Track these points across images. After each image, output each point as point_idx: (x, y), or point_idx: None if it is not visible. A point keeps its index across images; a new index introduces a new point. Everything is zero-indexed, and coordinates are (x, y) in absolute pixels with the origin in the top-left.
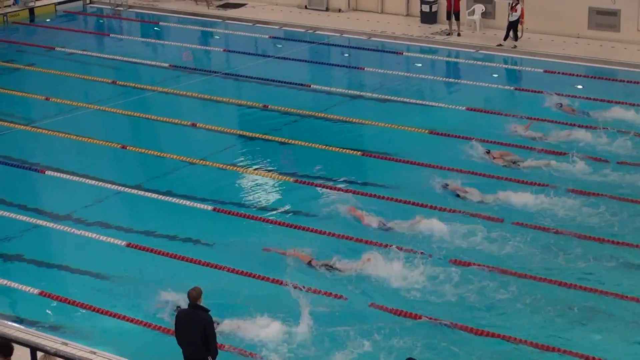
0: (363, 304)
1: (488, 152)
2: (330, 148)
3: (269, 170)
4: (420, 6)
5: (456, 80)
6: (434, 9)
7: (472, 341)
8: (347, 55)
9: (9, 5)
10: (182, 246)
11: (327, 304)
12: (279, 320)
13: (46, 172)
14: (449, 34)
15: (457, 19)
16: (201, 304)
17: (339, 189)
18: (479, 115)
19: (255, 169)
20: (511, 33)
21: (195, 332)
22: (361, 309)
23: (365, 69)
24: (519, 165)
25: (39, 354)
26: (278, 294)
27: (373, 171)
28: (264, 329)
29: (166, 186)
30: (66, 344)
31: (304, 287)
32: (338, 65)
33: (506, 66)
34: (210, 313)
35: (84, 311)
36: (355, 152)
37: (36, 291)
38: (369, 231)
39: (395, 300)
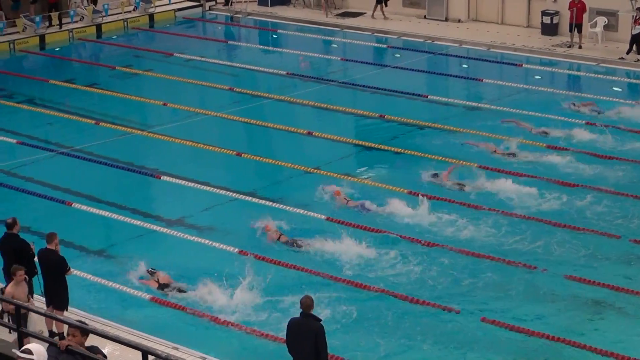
0: None
1: (436, 176)
2: (446, 159)
3: (384, 181)
4: (541, 18)
5: (576, 94)
6: (555, 21)
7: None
8: (465, 66)
9: (130, 11)
10: (294, 255)
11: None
12: None
13: (162, 178)
14: (570, 46)
15: (579, 31)
16: (312, 312)
17: (452, 201)
18: (597, 129)
19: (370, 179)
20: (634, 46)
21: (307, 341)
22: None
23: (484, 80)
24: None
25: (151, 358)
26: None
27: (491, 184)
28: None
29: (280, 194)
30: (177, 349)
31: None
32: (456, 76)
33: (628, 80)
34: (322, 322)
35: (195, 317)
36: (471, 164)
37: (148, 296)
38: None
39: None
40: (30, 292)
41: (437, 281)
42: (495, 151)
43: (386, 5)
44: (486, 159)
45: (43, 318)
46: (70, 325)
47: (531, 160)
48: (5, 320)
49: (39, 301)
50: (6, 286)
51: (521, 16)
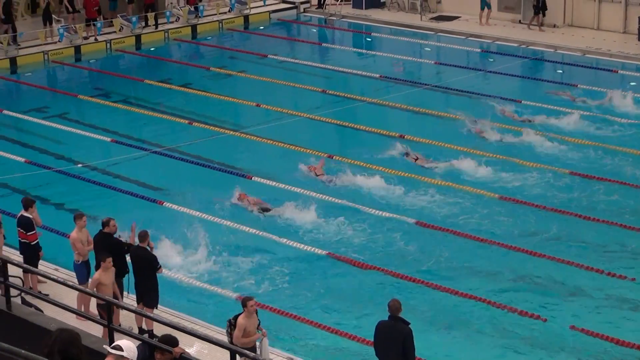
0: None
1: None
2: (538, 165)
3: (477, 186)
4: (639, 23)
5: None
6: None
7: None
8: (560, 71)
9: (225, 13)
10: (388, 259)
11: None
12: None
13: (253, 178)
14: None
15: None
16: (401, 316)
17: (552, 209)
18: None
19: (463, 184)
20: None
21: (395, 344)
22: None
23: (579, 86)
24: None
25: (238, 358)
26: None
27: (584, 192)
28: None
29: (372, 199)
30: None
31: None
32: (550, 82)
33: None
34: (410, 326)
35: (284, 318)
36: (563, 170)
37: (235, 295)
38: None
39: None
40: (121, 291)
41: (525, 288)
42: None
43: (544, 16)
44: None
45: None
46: (159, 344)
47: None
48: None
49: (129, 298)
50: None
51: (618, 22)
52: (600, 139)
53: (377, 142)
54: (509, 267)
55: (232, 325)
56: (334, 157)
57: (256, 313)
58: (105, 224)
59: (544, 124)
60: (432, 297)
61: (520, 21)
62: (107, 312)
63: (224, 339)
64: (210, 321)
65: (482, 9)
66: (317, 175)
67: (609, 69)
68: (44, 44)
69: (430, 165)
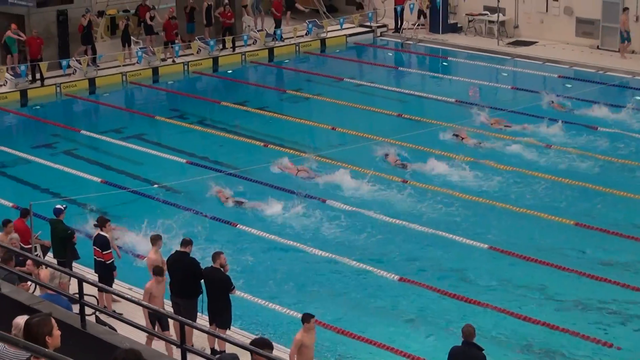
0: None
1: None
2: (610, 191)
3: (552, 212)
4: None
5: None
6: None
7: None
8: (638, 98)
9: (302, 36)
10: (458, 283)
11: None
12: None
13: (327, 202)
14: None
15: None
16: (474, 341)
17: (626, 236)
18: None
19: (537, 210)
20: None
21: None
22: None
23: None
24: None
25: None
26: None
27: None
28: None
29: (448, 223)
30: None
31: None
32: (628, 108)
33: None
34: (484, 352)
35: (354, 341)
36: (636, 196)
37: (299, 315)
38: None
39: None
40: (195, 311)
41: (598, 315)
42: None
43: None
44: None
45: (206, 335)
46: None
47: None
48: None
49: (202, 319)
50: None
51: None
52: None
53: (449, 166)
54: (582, 294)
55: None
56: (409, 182)
57: None
58: (187, 242)
59: (618, 150)
60: (505, 324)
61: (598, 47)
62: (181, 332)
63: None
64: (280, 342)
65: (622, 42)
66: (298, 172)
67: None
68: (123, 65)
69: (504, 190)
